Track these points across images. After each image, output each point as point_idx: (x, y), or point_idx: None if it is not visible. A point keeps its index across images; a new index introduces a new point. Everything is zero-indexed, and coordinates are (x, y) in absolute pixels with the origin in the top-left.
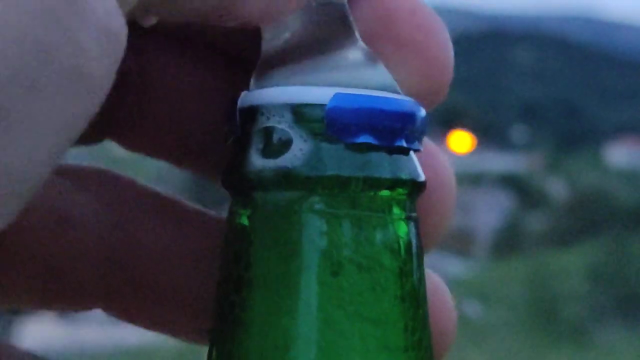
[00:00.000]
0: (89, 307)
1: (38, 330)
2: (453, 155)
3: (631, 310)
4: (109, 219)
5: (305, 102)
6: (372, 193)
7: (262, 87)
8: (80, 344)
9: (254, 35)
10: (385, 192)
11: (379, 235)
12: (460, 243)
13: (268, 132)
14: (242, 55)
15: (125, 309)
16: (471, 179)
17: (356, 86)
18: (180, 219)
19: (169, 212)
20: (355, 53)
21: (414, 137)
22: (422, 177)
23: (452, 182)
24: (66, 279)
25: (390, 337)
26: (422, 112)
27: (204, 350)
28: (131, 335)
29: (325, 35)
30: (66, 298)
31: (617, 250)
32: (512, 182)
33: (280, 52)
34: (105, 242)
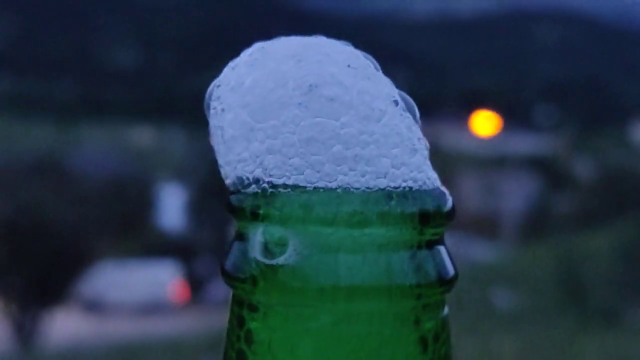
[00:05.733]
0: None
1: (66, 322)
2: (477, 138)
3: None
4: None
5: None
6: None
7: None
8: (107, 336)
9: None
10: (406, 297)
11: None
12: (487, 227)
13: (267, 234)
14: None
15: None
16: (496, 162)
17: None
18: None
19: None
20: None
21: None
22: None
23: None
24: None
25: None
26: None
27: None
28: (158, 327)
29: None
30: None
31: None
32: (538, 164)
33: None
34: None
